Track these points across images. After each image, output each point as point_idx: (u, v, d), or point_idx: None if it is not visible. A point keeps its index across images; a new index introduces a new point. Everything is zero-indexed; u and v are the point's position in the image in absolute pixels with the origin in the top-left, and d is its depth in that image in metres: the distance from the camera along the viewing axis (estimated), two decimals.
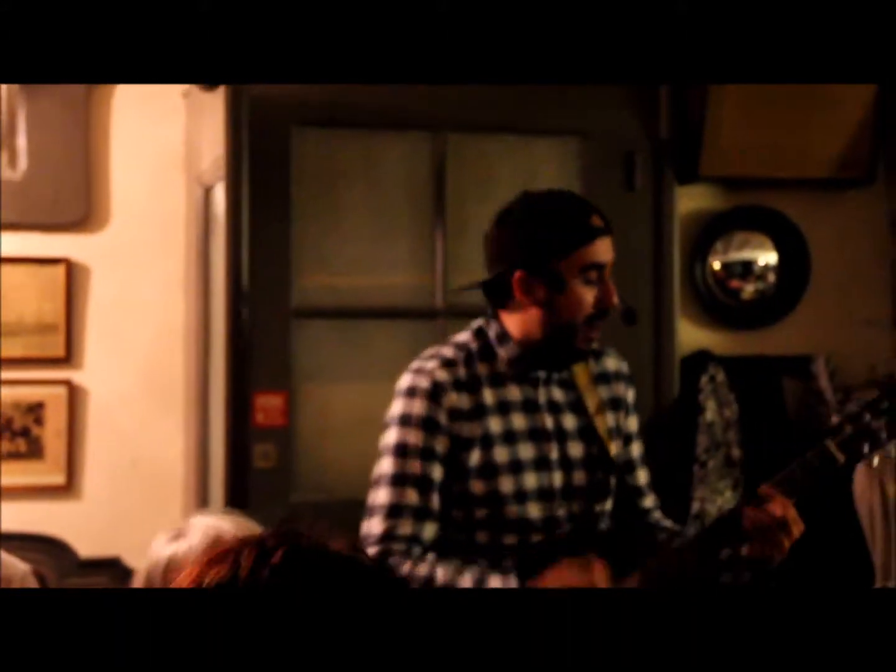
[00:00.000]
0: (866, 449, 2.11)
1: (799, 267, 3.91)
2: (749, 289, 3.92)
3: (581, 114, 3.72)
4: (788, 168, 3.83)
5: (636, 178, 3.74)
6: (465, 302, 3.63)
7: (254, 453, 3.45)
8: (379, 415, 3.70)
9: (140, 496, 3.74)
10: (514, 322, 2.22)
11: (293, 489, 3.52)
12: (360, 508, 3.41)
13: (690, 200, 3.85)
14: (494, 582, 2.10)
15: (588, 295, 2.17)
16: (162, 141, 3.79)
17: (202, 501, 3.71)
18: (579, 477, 2.24)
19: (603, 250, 2.18)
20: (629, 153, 3.74)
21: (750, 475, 3.64)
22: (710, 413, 3.66)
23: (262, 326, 3.48)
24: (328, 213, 3.60)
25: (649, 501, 2.37)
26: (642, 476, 2.37)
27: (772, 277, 3.92)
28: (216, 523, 1.70)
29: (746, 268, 3.94)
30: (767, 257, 3.93)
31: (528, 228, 2.18)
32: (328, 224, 3.60)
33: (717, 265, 3.89)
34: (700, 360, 3.75)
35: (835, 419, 2.14)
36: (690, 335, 3.83)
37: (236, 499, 3.39)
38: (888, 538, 3.52)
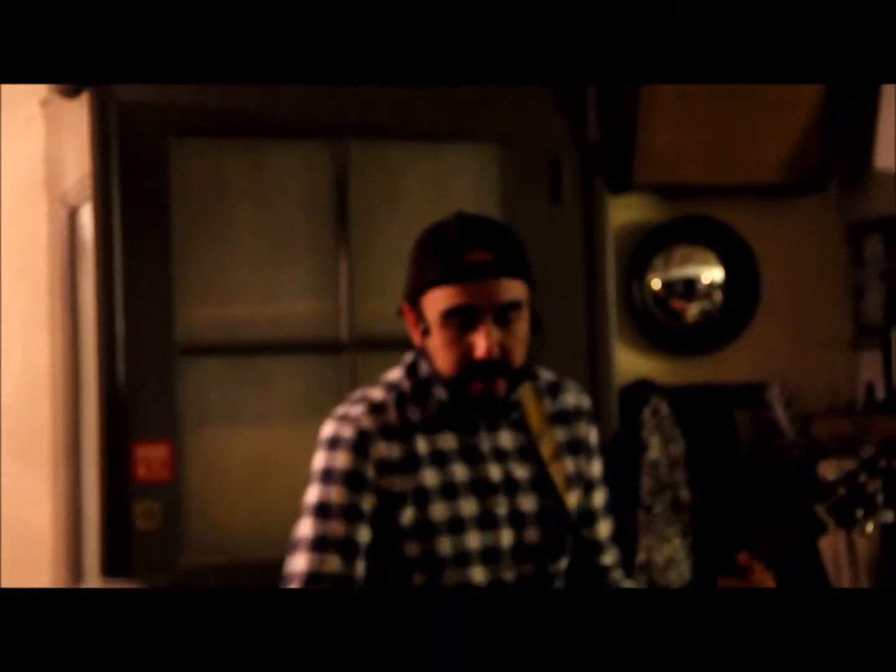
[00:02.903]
0: (860, 515, 2.03)
1: (747, 284, 3.83)
2: (693, 310, 3.84)
3: (500, 117, 3.61)
4: (732, 174, 3.76)
5: (563, 188, 3.64)
6: (375, 332, 3.50)
7: (135, 512, 3.29)
8: (280, 462, 3.60)
9: (4, 563, 3.57)
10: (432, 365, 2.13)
11: (182, 552, 3.37)
12: (262, 571, 3.25)
13: (624, 212, 3.76)
14: None
15: (457, 343, 2.04)
16: (18, 157, 3.63)
17: (75, 568, 3.54)
18: (532, 535, 2.12)
19: (477, 294, 2.02)
20: (554, 160, 3.64)
21: (700, 520, 3.54)
22: (655, 451, 3.56)
23: (140, 367, 3.32)
24: (215, 234, 3.45)
25: (609, 558, 2.26)
26: (604, 529, 2.25)
27: (718, 296, 3.84)
28: None
29: (689, 286, 3.85)
30: (712, 274, 3.84)
31: (412, 256, 2.11)
32: (215, 247, 3.45)
33: (656, 284, 3.80)
34: (641, 390, 3.65)
35: (828, 477, 2.07)
36: (629, 363, 3.73)
37: (115, 565, 3.23)
38: (855, 582, 3.46)
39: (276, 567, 3.22)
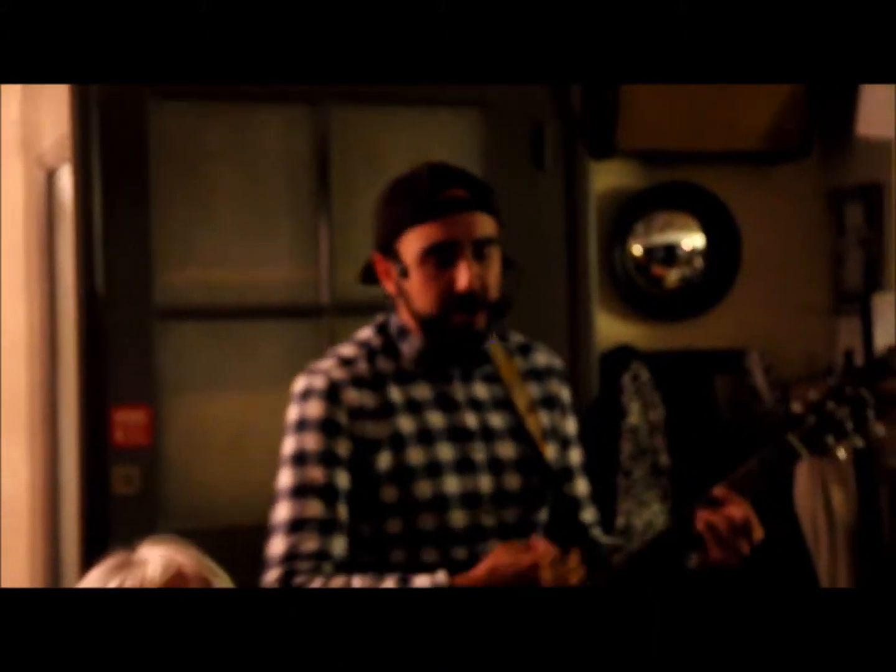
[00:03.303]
0: (831, 441, 2.07)
1: (728, 250, 3.85)
2: (673, 276, 3.86)
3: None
4: (714, 140, 3.77)
5: (545, 154, 3.66)
6: (355, 297, 3.51)
7: (113, 477, 3.30)
8: (260, 428, 3.61)
9: None
10: (403, 314, 2.17)
11: (161, 518, 3.38)
12: (241, 537, 3.27)
13: (606, 177, 3.76)
14: (421, 582, 2.01)
15: (438, 280, 2.09)
16: None
17: (53, 535, 3.55)
18: (511, 481, 2.14)
19: (455, 228, 2.07)
20: (537, 126, 3.66)
21: (679, 485, 3.58)
22: (634, 416, 3.59)
23: (119, 331, 3.33)
24: (195, 198, 3.46)
25: (589, 515, 2.29)
26: (582, 486, 2.28)
27: (699, 263, 3.86)
28: (173, 556, 1.62)
29: (670, 252, 3.87)
30: (693, 240, 3.86)
31: (381, 206, 2.16)
32: (195, 211, 3.46)
33: (637, 250, 3.82)
34: (621, 356, 3.67)
35: (796, 407, 2.09)
36: (610, 329, 3.75)
37: (94, 531, 3.24)
38: (833, 545, 3.50)
39: (257, 532, 3.25)
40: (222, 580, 1.65)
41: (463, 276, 2.07)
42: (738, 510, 2.02)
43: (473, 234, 2.08)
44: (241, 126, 3.50)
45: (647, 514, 3.53)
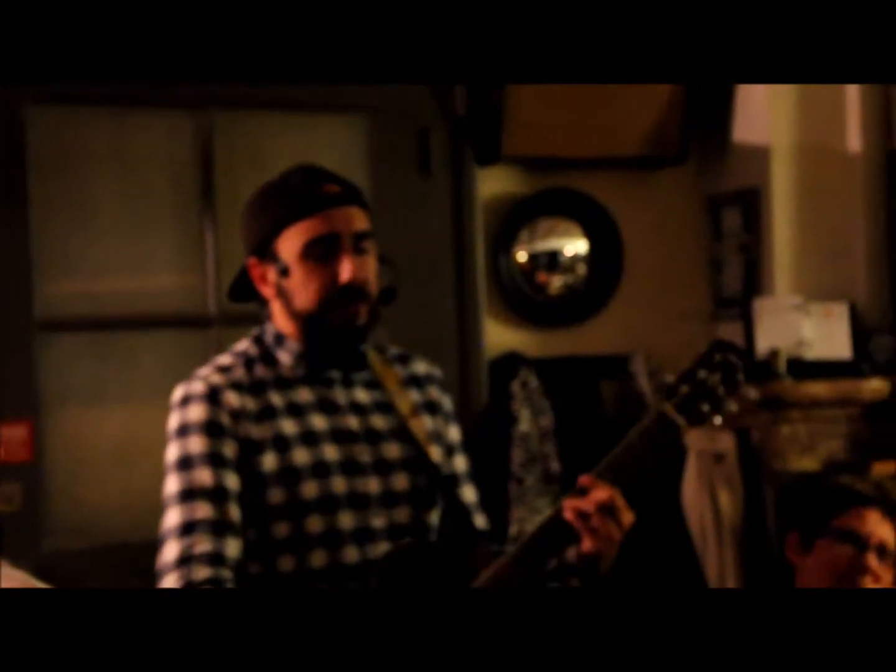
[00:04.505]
0: (706, 408, 2.10)
1: (611, 256, 3.96)
2: (557, 282, 3.95)
3: (367, 87, 3.65)
4: (596, 146, 3.88)
5: (431, 160, 3.72)
6: (242, 307, 3.51)
7: None
8: (146, 442, 3.58)
9: None
10: (280, 320, 2.19)
11: (45, 536, 3.35)
12: (129, 553, 3.27)
13: (492, 184, 3.84)
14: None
15: (320, 275, 2.12)
16: None
17: None
18: (399, 482, 2.16)
19: (335, 221, 2.12)
20: (422, 132, 3.71)
21: (570, 491, 3.66)
22: (525, 423, 3.67)
23: None
24: (76, 206, 3.43)
25: (480, 522, 2.31)
26: (469, 493, 2.30)
27: (582, 269, 3.96)
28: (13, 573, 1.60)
29: (553, 259, 3.96)
30: (576, 246, 3.96)
31: (253, 210, 2.19)
32: (76, 219, 3.43)
33: (522, 256, 3.90)
34: (510, 363, 3.75)
35: (668, 378, 2.13)
36: (497, 336, 3.82)
37: None
38: (720, 546, 3.63)
39: (144, 549, 3.24)
40: None
41: (346, 268, 2.11)
42: (602, 493, 2.03)
43: (352, 227, 2.13)
44: (123, 131, 3.48)
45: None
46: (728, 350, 2.13)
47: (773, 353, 3.67)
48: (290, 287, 2.13)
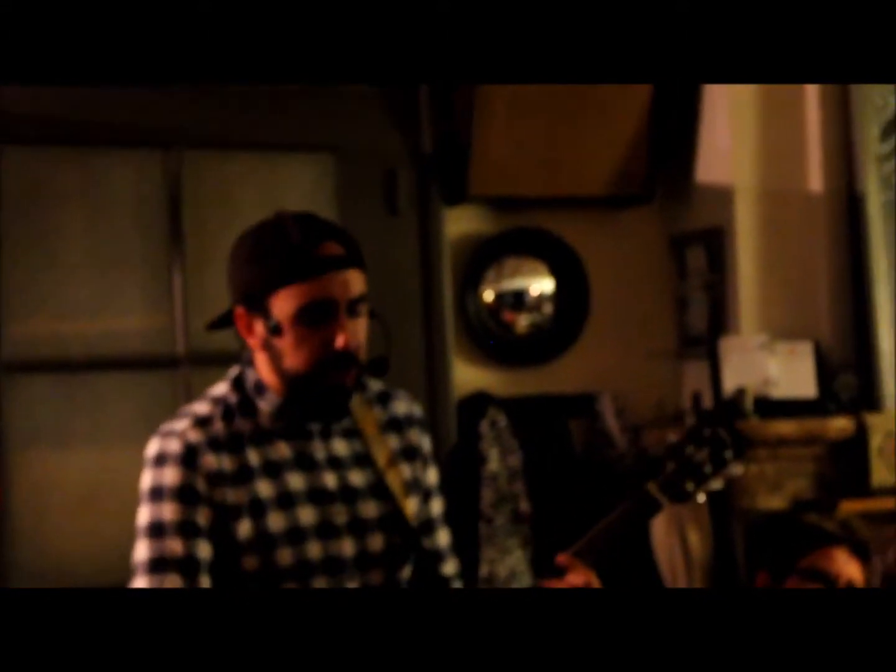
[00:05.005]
0: (690, 487, 2.12)
1: (577, 295, 4.00)
2: (523, 321, 3.98)
3: (334, 127, 3.69)
4: (562, 186, 3.93)
5: (399, 199, 3.75)
6: (211, 347, 3.53)
7: None
8: (113, 484, 3.58)
9: None
10: (263, 369, 2.15)
11: (9, 580, 3.33)
12: None
13: (458, 223, 3.88)
14: None
15: (314, 338, 2.08)
16: None
17: None
18: (374, 542, 2.16)
19: (333, 286, 2.07)
20: (390, 171, 3.74)
21: (539, 531, 3.69)
22: (494, 462, 3.69)
23: None
24: (42, 246, 3.43)
25: (450, 568, 2.32)
26: (443, 538, 2.31)
27: (548, 308, 3.99)
28: None
29: (519, 298, 4.00)
30: (542, 285, 4.00)
31: (246, 258, 2.11)
32: (43, 259, 3.43)
33: (489, 296, 3.94)
34: (478, 402, 3.78)
35: (654, 453, 2.15)
36: (465, 375, 3.85)
37: None
38: (690, 587, 3.66)
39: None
40: None
41: (340, 336, 2.07)
42: (579, 578, 2.06)
43: (349, 292, 2.08)
44: (90, 171, 3.49)
45: (510, 562, 3.63)
46: (718, 423, 2.15)
47: (740, 392, 3.72)
48: (279, 346, 2.10)
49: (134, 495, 3.55)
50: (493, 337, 3.92)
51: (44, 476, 3.42)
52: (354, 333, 2.10)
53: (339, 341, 2.07)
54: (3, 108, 3.30)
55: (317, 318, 2.07)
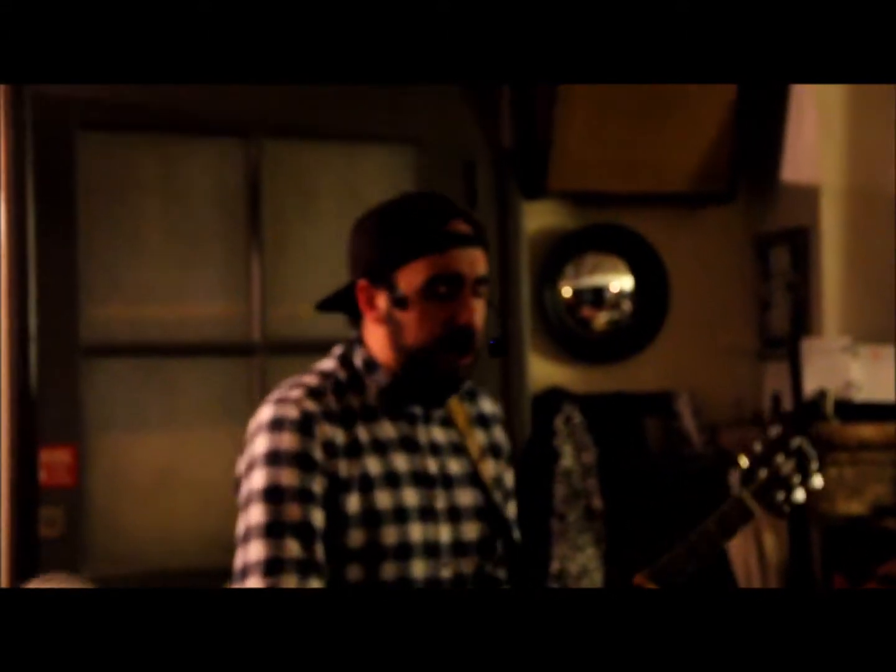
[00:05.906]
0: (780, 497, 2.13)
1: (657, 293, 4.01)
2: (601, 318, 4.00)
3: (415, 119, 3.73)
4: (643, 182, 3.94)
5: (477, 193, 3.77)
6: (287, 335, 3.59)
7: (37, 519, 3.29)
8: (189, 469, 3.65)
9: None
10: (377, 345, 2.17)
11: (84, 562, 3.39)
12: (168, 580, 3.31)
13: (537, 218, 3.91)
14: None
15: (438, 313, 2.10)
16: None
17: None
18: (469, 530, 2.18)
19: (461, 262, 2.09)
20: (469, 163, 3.77)
21: (612, 528, 3.71)
22: (568, 459, 3.71)
23: (44, 367, 3.33)
24: (123, 232, 3.50)
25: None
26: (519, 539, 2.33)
27: (627, 305, 4.01)
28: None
29: (598, 294, 4.02)
30: (622, 282, 4.01)
31: (373, 232, 2.13)
32: (123, 245, 3.50)
33: (567, 291, 3.95)
34: (553, 398, 3.80)
35: (743, 461, 2.14)
36: (541, 370, 3.87)
37: (21, 576, 3.23)
38: (766, 587, 3.64)
39: (183, 576, 3.28)
40: None
41: (465, 311, 2.09)
42: None
43: (476, 270, 2.11)
44: (172, 158, 3.56)
45: (582, 559, 3.64)
46: (803, 431, 2.14)
47: (821, 395, 3.70)
48: (403, 319, 2.11)
49: (206, 479, 3.64)
50: (570, 333, 3.93)
51: (119, 459, 3.48)
52: (477, 313, 2.12)
53: (464, 316, 2.09)
54: (84, 96, 3.37)
55: (443, 292, 2.08)
